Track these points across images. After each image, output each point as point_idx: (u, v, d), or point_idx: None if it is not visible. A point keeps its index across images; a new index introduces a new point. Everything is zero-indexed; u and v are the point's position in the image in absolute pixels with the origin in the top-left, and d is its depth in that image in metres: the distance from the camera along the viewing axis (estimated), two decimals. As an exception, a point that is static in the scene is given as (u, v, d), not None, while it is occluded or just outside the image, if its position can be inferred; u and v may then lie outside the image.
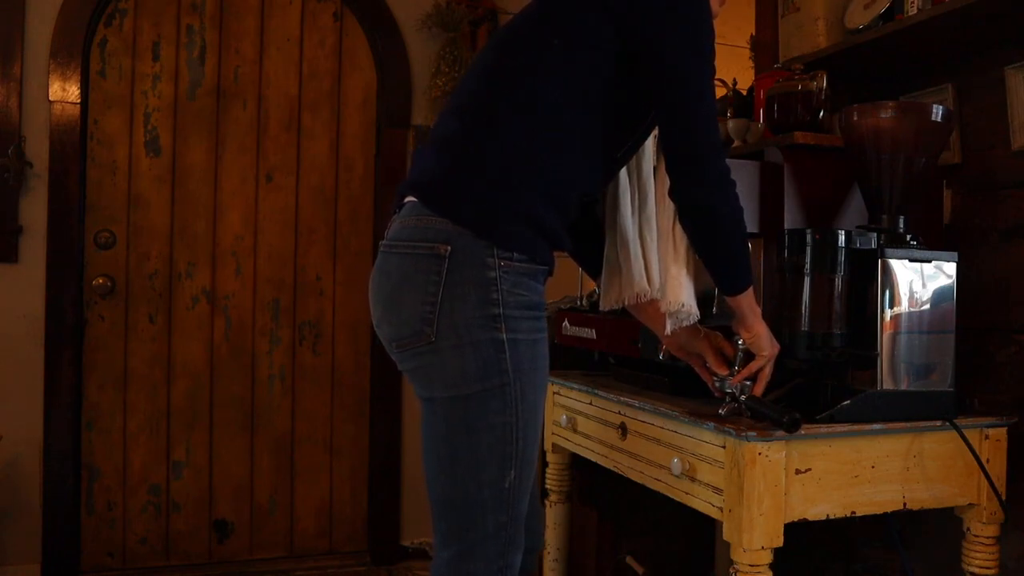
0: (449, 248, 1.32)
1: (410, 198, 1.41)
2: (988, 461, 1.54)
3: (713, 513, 1.49)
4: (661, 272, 1.53)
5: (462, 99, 1.46)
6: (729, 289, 1.45)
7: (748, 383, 1.48)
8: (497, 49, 1.47)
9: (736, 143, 1.86)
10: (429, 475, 1.40)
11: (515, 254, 1.34)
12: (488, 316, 1.32)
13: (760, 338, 1.47)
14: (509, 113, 1.37)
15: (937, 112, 1.52)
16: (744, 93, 2.06)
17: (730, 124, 1.87)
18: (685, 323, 1.52)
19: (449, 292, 1.32)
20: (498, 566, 1.37)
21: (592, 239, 1.65)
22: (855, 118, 1.54)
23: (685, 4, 1.36)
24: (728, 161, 1.59)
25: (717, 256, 1.44)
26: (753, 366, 1.48)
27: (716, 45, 1.41)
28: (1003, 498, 1.54)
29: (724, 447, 1.45)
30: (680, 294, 1.50)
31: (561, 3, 1.43)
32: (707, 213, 1.40)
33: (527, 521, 1.45)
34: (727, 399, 1.49)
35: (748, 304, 1.46)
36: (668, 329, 1.53)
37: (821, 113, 1.75)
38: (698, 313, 1.52)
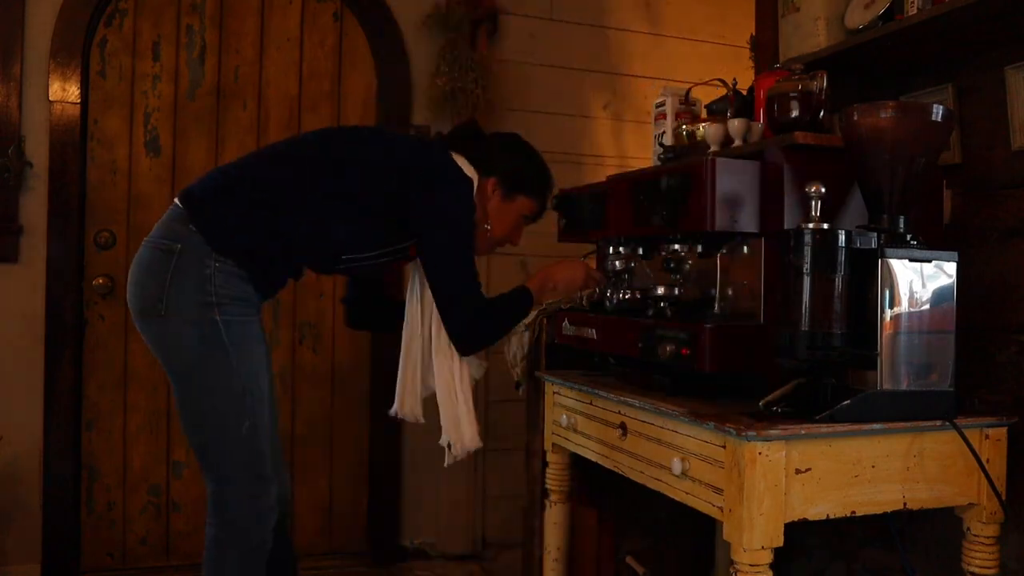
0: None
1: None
2: (988, 461, 1.54)
3: (713, 513, 1.49)
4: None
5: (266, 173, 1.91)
6: (528, 308, 2.02)
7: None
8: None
9: (736, 143, 1.86)
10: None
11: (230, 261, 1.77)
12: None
13: (560, 286, 2.05)
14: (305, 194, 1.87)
15: (937, 112, 1.52)
16: (744, 93, 2.06)
17: (730, 124, 1.87)
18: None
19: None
20: (249, 496, 1.78)
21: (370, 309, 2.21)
22: (855, 118, 1.54)
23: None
24: (728, 161, 1.61)
25: (508, 324, 2.02)
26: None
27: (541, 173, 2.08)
28: (1003, 498, 1.54)
29: (724, 447, 1.45)
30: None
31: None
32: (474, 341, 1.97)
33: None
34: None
35: (540, 292, 2.03)
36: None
37: (821, 113, 1.75)
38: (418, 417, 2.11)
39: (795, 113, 1.73)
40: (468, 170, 1.94)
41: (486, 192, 1.99)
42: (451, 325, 1.91)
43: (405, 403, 2.10)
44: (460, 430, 1.99)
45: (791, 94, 1.74)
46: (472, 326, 1.92)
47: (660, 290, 1.78)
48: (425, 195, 1.88)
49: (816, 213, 1.45)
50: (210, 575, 1.80)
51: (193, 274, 1.74)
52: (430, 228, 1.89)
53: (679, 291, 1.80)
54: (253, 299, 1.82)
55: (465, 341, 1.94)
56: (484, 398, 3.30)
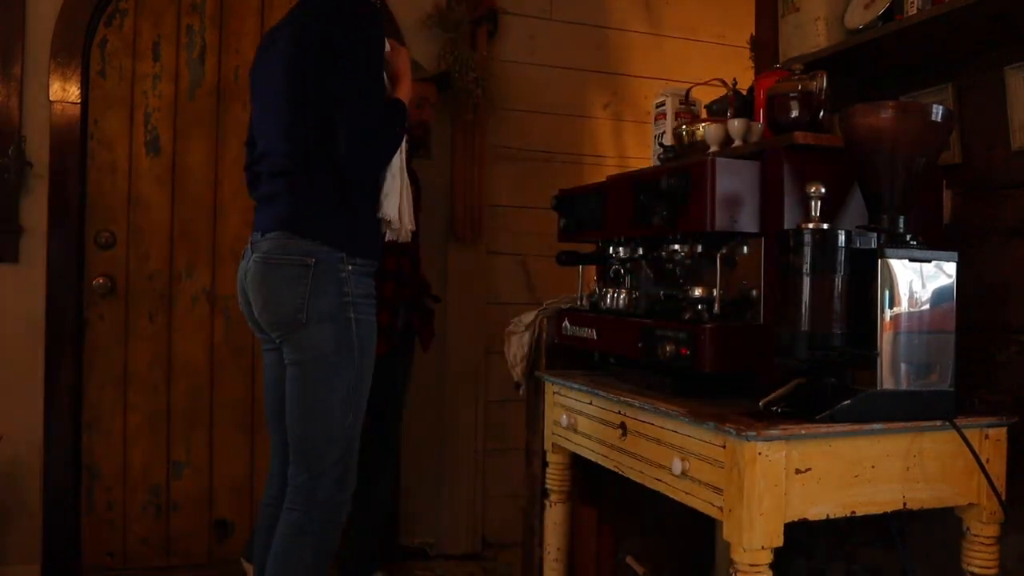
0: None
1: None
2: (988, 461, 1.54)
3: (713, 513, 1.49)
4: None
5: None
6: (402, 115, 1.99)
7: None
8: None
9: (736, 143, 1.86)
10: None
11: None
12: None
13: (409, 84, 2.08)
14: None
15: (937, 112, 1.52)
16: (744, 93, 2.06)
17: (730, 124, 1.87)
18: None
19: None
20: (342, 481, 1.88)
21: None
22: (855, 118, 1.54)
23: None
24: (728, 161, 1.61)
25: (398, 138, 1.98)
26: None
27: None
28: (1003, 498, 1.54)
29: (724, 447, 1.45)
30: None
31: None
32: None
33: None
34: None
35: (405, 96, 2.03)
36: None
37: (821, 113, 1.75)
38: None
39: (795, 113, 1.73)
40: None
41: None
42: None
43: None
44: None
45: (791, 94, 1.74)
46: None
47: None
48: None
49: (816, 213, 1.44)
50: (283, 560, 1.85)
51: (330, 281, 1.87)
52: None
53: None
54: (373, 295, 1.96)
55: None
56: (484, 398, 3.30)
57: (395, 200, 2.00)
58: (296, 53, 1.92)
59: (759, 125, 1.89)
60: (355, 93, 1.86)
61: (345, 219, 1.92)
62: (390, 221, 2.01)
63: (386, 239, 2.05)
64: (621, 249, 1.99)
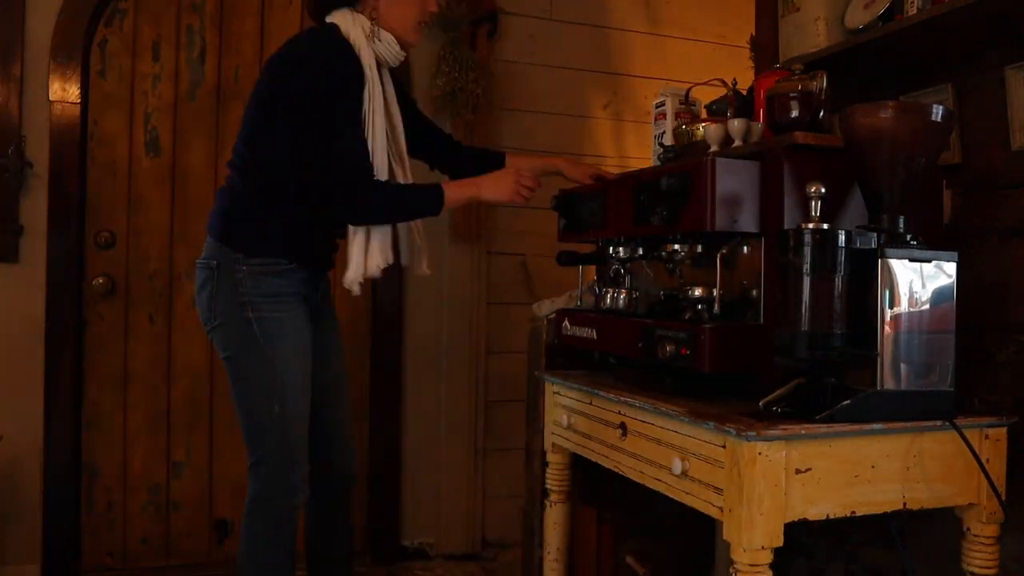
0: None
1: None
2: (988, 461, 1.54)
3: (713, 513, 1.49)
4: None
5: None
6: (437, 212, 2.02)
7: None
8: None
9: (736, 143, 1.86)
10: None
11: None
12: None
13: (492, 197, 2.09)
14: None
15: (937, 112, 1.52)
16: (744, 93, 2.06)
17: (730, 124, 1.87)
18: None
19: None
20: (280, 471, 1.96)
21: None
22: (855, 118, 1.54)
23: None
24: (728, 161, 1.61)
25: (408, 216, 2.07)
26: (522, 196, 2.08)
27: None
28: (1003, 498, 1.54)
29: (724, 447, 1.45)
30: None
31: None
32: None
33: (331, 451, 2.16)
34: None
35: (458, 200, 2.07)
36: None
37: (821, 113, 1.75)
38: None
39: (795, 113, 1.73)
40: (341, 18, 1.98)
41: (369, 3, 2.02)
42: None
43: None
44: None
45: (791, 94, 1.74)
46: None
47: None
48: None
49: (816, 213, 1.44)
50: (243, 540, 2.00)
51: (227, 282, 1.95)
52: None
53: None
54: (287, 292, 1.98)
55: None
56: (484, 398, 3.30)
57: (361, 241, 2.00)
58: (265, 91, 1.99)
59: (759, 125, 1.89)
60: (319, 163, 1.91)
61: (254, 222, 1.97)
62: (375, 263, 2.01)
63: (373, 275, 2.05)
64: (621, 249, 1.99)
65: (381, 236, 2.01)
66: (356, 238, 2.00)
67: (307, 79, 1.91)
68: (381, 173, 1.98)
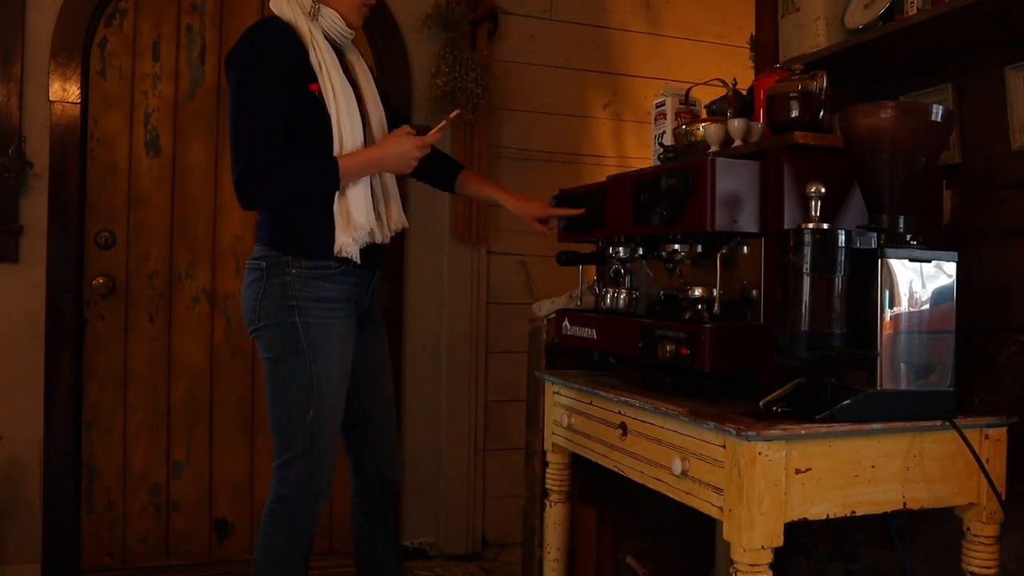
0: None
1: None
2: (988, 461, 1.54)
3: (713, 513, 1.49)
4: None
5: None
6: (335, 185, 1.92)
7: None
8: None
9: (736, 143, 1.86)
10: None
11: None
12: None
13: (374, 160, 1.97)
14: None
15: (937, 112, 1.52)
16: (744, 93, 2.06)
17: (730, 124, 1.87)
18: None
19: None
20: (304, 476, 1.96)
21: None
22: (855, 118, 1.54)
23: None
24: (728, 161, 1.61)
25: (304, 195, 1.95)
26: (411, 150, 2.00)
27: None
28: (1003, 498, 1.54)
29: (724, 447, 1.45)
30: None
31: None
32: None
33: (372, 454, 2.18)
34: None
35: (358, 172, 1.95)
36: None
37: (821, 113, 1.75)
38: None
39: (795, 113, 1.73)
40: (276, 3, 1.98)
41: None
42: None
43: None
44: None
45: (791, 94, 1.74)
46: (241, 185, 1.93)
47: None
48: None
49: (816, 213, 1.45)
50: (260, 542, 2.00)
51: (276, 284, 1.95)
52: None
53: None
54: (337, 297, 1.97)
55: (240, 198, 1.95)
56: (484, 398, 3.30)
57: (358, 200, 1.97)
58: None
59: (759, 125, 1.89)
60: (232, 139, 1.91)
61: (289, 223, 1.96)
62: (357, 223, 1.97)
63: (366, 242, 2.00)
64: (621, 249, 1.99)
65: (344, 212, 1.96)
66: (351, 203, 1.97)
67: (228, 72, 1.94)
68: (353, 132, 1.96)
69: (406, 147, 1.98)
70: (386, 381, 2.21)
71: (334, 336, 1.96)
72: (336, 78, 1.96)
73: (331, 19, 2.02)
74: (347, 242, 1.95)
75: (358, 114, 1.99)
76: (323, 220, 1.95)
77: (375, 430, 2.18)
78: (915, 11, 1.78)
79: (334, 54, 1.99)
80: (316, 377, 1.94)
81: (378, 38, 3.16)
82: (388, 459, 2.22)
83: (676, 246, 1.80)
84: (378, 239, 2.02)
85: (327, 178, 1.92)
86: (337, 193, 1.95)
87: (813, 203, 1.45)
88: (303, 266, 1.94)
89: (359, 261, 1.98)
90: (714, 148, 1.90)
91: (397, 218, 2.12)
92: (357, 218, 1.96)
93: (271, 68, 1.90)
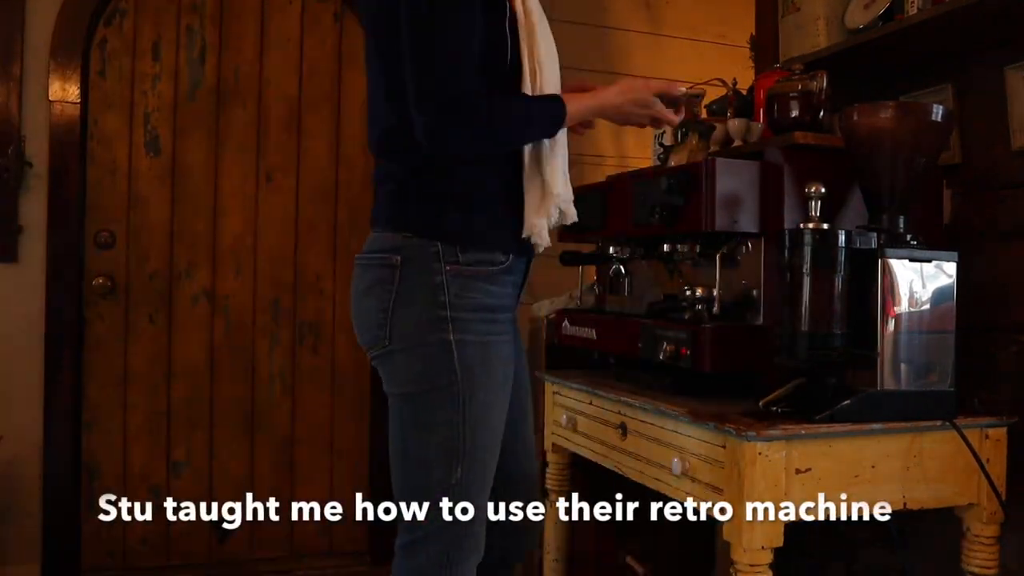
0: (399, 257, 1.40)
1: None
2: (988, 461, 1.54)
3: (713, 513, 1.49)
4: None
5: None
6: (553, 130, 1.45)
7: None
8: None
9: (736, 143, 1.86)
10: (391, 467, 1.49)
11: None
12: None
13: (606, 108, 1.51)
14: None
15: (937, 112, 1.52)
16: (744, 93, 2.06)
17: (730, 124, 1.87)
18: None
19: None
20: (441, 562, 1.40)
21: None
22: (855, 118, 1.54)
23: None
24: (728, 161, 1.61)
25: (519, 138, 1.44)
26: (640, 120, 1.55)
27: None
28: (1003, 498, 1.54)
29: (724, 447, 1.45)
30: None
31: None
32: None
33: (502, 528, 1.53)
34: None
35: (582, 116, 1.50)
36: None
37: (821, 113, 1.75)
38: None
39: (795, 113, 1.73)
40: None
41: None
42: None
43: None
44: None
45: (791, 94, 1.74)
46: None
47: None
48: None
49: (816, 213, 1.44)
50: None
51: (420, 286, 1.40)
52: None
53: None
54: (501, 305, 1.45)
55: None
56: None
57: (555, 164, 1.46)
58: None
59: (759, 125, 1.89)
60: (415, 66, 1.36)
61: (447, 193, 1.41)
62: (556, 195, 1.46)
63: (553, 223, 1.49)
64: (621, 249, 1.99)
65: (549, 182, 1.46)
66: (551, 167, 1.46)
67: None
68: (552, 67, 1.51)
69: (645, 97, 1.50)
70: (530, 429, 1.65)
71: (496, 360, 1.43)
72: (533, 5, 1.48)
73: None
74: (539, 224, 1.44)
75: (554, 44, 1.53)
76: (501, 191, 1.44)
77: (508, 496, 1.58)
78: (915, 11, 1.78)
79: None
80: (469, 420, 1.40)
81: (378, 38, 3.16)
82: (516, 539, 1.61)
83: (676, 246, 1.80)
84: (568, 219, 1.50)
85: (550, 119, 1.42)
86: (528, 155, 1.45)
87: (813, 203, 1.45)
88: (461, 260, 1.40)
89: (546, 245, 1.48)
90: (714, 148, 1.90)
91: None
92: (555, 188, 1.45)
93: None
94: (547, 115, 1.43)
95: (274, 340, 3.07)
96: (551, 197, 1.45)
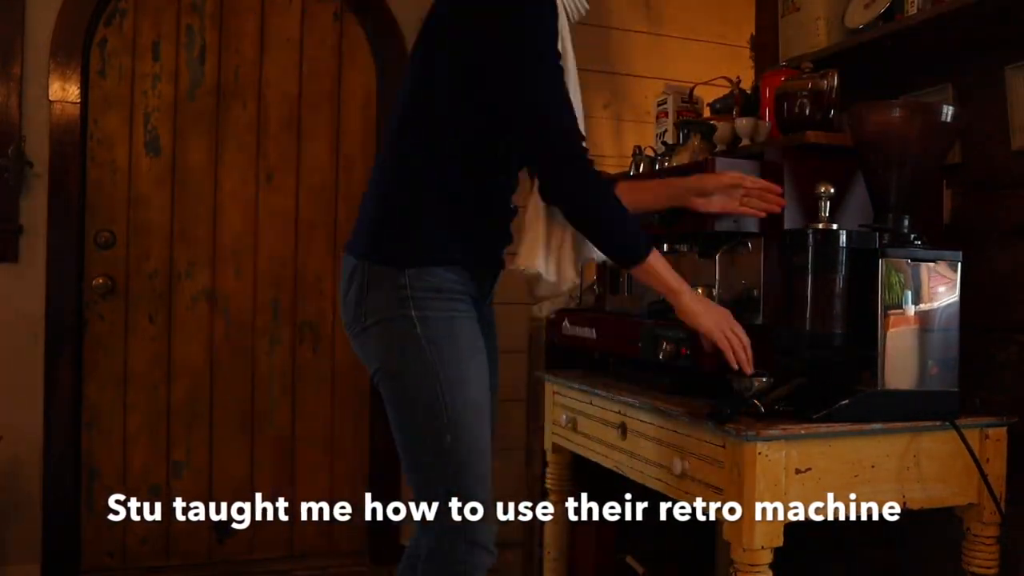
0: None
1: None
2: (988, 461, 1.54)
3: (713, 513, 1.49)
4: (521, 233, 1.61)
5: None
6: (621, 261, 1.55)
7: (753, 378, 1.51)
8: None
9: (744, 142, 1.86)
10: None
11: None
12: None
13: (691, 315, 1.52)
14: None
15: (947, 112, 1.52)
16: (748, 92, 2.06)
17: (738, 123, 1.86)
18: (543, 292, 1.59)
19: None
20: (454, 525, 1.48)
21: None
22: (865, 117, 1.53)
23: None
24: (728, 161, 1.60)
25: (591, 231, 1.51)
26: (710, 346, 1.53)
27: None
28: (1001, 499, 1.54)
29: (724, 447, 1.45)
30: (533, 258, 1.56)
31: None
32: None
33: None
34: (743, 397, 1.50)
35: (657, 277, 1.51)
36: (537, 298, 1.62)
37: (832, 112, 1.74)
38: (554, 280, 1.57)
39: (806, 112, 1.72)
40: None
41: None
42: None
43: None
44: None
45: (802, 92, 1.73)
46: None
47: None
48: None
49: (825, 213, 1.44)
50: None
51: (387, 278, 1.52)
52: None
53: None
54: (456, 289, 1.52)
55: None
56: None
57: (535, 239, 1.56)
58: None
59: (767, 124, 1.88)
60: (547, 105, 1.45)
61: (415, 229, 1.53)
62: (534, 273, 1.56)
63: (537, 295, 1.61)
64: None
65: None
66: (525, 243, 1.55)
67: (500, 17, 1.45)
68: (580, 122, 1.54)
69: (727, 323, 1.53)
70: (495, 399, 1.71)
71: (460, 330, 1.53)
72: (571, 55, 1.55)
73: None
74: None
75: (579, 92, 1.57)
76: (444, 213, 1.54)
77: None
78: (915, 11, 1.78)
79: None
80: (444, 384, 1.49)
81: (378, 38, 3.16)
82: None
83: (676, 246, 1.80)
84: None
85: (634, 244, 1.49)
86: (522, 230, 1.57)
87: (821, 203, 1.45)
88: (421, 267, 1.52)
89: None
90: (721, 147, 1.90)
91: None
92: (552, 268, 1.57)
93: (553, 24, 1.47)
94: (636, 237, 1.50)
95: (274, 340, 3.07)
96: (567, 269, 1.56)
